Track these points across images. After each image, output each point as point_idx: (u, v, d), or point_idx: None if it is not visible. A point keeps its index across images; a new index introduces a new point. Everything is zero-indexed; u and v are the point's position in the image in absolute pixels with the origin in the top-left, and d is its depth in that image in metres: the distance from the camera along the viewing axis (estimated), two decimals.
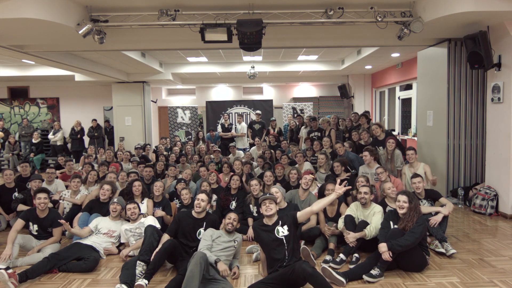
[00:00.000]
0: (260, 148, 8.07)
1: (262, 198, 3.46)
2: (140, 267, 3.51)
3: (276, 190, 4.27)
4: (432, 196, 4.52)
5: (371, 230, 3.89)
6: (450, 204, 4.34)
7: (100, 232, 4.29)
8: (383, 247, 3.48)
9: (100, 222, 4.37)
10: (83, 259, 3.87)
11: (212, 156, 7.60)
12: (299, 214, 3.45)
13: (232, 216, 3.72)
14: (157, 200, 4.95)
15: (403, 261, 3.60)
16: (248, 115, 12.46)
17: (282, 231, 3.35)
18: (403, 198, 3.74)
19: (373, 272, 3.46)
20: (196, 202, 3.92)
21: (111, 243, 4.29)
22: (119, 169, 6.44)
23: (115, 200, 4.48)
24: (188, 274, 3.05)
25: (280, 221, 3.41)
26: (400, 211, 3.74)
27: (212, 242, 3.58)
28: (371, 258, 3.61)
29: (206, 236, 3.65)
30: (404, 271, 3.65)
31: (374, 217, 4.04)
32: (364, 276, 3.45)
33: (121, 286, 3.29)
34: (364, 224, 3.97)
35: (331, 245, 4.09)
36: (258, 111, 10.50)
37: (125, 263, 3.65)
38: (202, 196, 3.94)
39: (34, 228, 4.29)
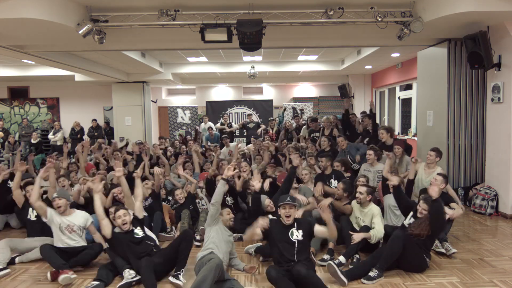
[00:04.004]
0: (256, 145, 8.01)
1: (283, 204, 3.40)
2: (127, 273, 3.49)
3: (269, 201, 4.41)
4: (445, 200, 4.47)
5: (375, 233, 3.88)
6: (459, 210, 4.26)
7: (63, 229, 3.94)
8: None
9: (55, 217, 3.94)
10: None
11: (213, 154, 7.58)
12: (316, 228, 3.43)
13: (230, 211, 3.84)
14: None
15: (403, 262, 3.60)
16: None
17: (297, 235, 3.35)
18: (424, 206, 3.68)
19: (371, 274, 3.45)
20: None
21: (79, 236, 4.02)
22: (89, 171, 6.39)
23: (55, 194, 3.99)
24: (200, 278, 3.03)
25: (295, 224, 3.40)
26: (418, 215, 3.72)
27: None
28: (371, 258, 3.61)
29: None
30: (404, 271, 3.65)
31: (375, 219, 4.01)
32: (362, 280, 3.45)
33: (129, 272, 3.40)
34: (367, 229, 3.96)
35: (331, 245, 4.08)
36: (249, 112, 10.56)
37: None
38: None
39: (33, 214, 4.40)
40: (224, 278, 3.27)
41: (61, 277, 3.45)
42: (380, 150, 5.53)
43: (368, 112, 7.97)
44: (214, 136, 9.88)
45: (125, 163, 6.49)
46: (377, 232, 3.89)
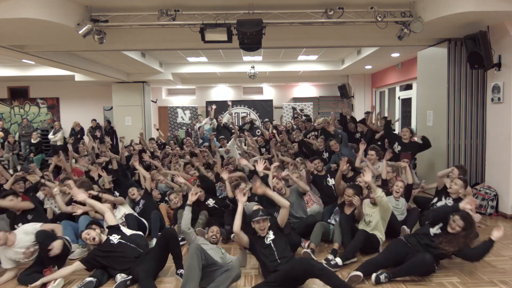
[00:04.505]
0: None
1: (256, 219, 3.50)
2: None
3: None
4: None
5: (383, 196, 3.91)
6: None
7: (20, 259, 3.76)
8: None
9: (7, 255, 3.70)
10: None
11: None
12: (279, 219, 3.62)
13: (215, 229, 3.87)
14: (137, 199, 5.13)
15: None
16: (248, 115, 12.46)
17: (268, 236, 3.49)
18: (459, 222, 3.41)
19: (382, 278, 3.40)
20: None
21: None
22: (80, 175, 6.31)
23: None
24: (186, 266, 3.10)
25: (269, 231, 3.55)
26: (450, 230, 3.51)
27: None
28: (383, 258, 3.58)
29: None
30: None
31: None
32: (373, 276, 3.41)
33: (121, 275, 3.43)
34: (365, 233, 3.93)
35: (336, 245, 4.00)
36: (244, 114, 10.58)
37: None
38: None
39: None
40: (213, 262, 3.29)
41: None
42: (383, 150, 5.59)
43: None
44: (206, 135, 9.89)
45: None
46: (386, 199, 3.93)
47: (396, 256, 3.55)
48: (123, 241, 3.69)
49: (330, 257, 3.87)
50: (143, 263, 3.47)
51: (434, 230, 3.66)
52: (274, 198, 3.69)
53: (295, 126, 9.10)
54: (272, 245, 3.44)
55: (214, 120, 9.92)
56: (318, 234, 4.15)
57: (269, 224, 3.55)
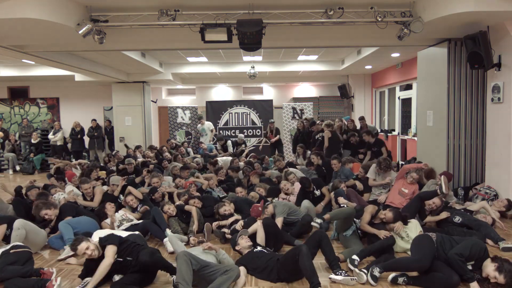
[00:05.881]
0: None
1: (240, 236, 3.98)
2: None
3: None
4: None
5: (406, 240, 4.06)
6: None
7: None
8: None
9: None
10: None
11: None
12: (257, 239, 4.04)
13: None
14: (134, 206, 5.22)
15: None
16: (248, 115, 12.45)
17: (256, 249, 3.85)
18: (500, 278, 2.98)
19: (400, 280, 3.40)
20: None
21: None
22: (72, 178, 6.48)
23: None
24: (178, 275, 3.10)
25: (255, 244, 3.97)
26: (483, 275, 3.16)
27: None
28: (398, 264, 3.55)
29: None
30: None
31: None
32: (390, 276, 3.42)
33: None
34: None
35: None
36: (241, 135, 10.80)
37: None
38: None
39: None
40: (206, 264, 3.28)
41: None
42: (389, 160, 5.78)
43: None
44: (208, 149, 9.98)
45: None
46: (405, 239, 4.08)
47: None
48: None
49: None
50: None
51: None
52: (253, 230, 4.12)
53: (300, 129, 9.13)
54: (265, 251, 3.77)
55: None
56: (341, 214, 4.20)
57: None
